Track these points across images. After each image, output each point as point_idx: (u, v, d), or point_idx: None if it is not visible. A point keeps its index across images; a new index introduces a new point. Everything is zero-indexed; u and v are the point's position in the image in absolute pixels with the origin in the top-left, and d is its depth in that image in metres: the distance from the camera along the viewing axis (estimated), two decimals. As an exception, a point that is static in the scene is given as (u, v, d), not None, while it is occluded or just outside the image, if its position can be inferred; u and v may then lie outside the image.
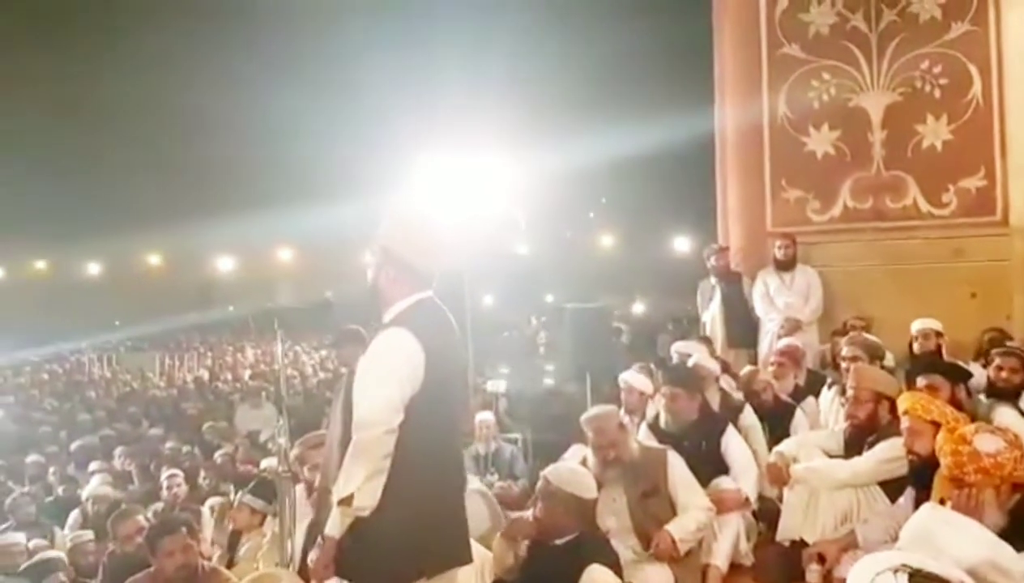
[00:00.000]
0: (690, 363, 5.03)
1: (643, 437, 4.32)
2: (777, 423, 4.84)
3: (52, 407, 12.83)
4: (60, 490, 7.18)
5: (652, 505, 3.78)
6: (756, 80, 7.35)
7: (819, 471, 3.92)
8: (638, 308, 19.22)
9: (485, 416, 6.80)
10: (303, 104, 20.85)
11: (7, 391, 15.47)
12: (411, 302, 2.86)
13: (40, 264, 32.45)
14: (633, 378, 5.16)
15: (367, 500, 2.62)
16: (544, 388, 10.80)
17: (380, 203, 3.05)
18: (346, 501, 2.61)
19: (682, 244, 20.26)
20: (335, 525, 2.65)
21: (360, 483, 2.61)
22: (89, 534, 5.43)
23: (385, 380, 2.69)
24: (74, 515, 6.25)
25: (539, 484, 3.48)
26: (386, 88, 18.86)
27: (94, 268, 32.23)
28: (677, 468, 3.86)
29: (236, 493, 4.87)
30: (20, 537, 5.58)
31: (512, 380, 10.81)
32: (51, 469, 7.92)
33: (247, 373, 16.38)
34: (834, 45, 7.23)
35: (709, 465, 4.15)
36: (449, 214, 8.29)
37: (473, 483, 4.45)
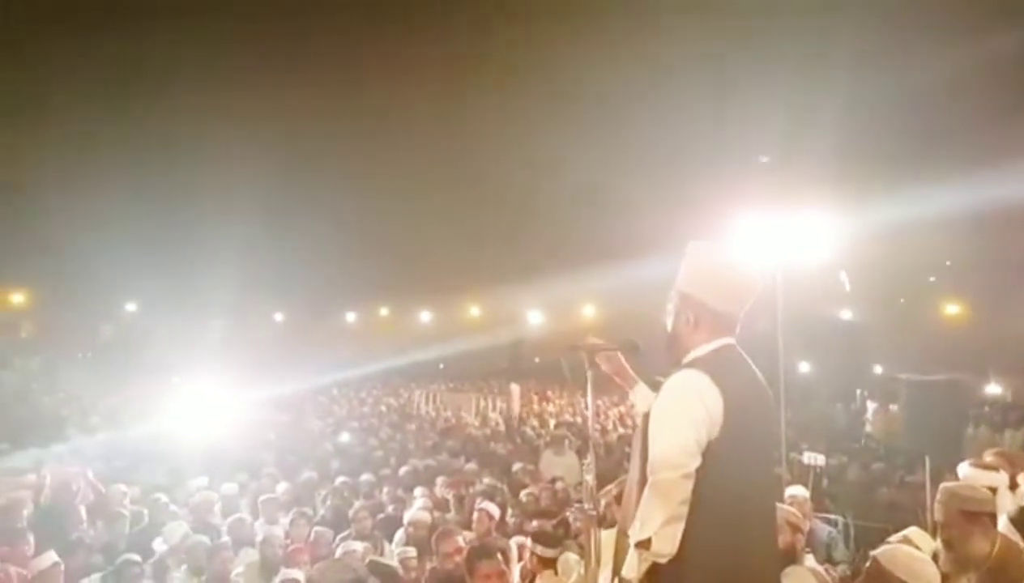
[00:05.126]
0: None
1: (1003, 529, 3.60)
2: None
3: (387, 435, 14.34)
4: (390, 509, 7.79)
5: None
6: None
7: None
8: (992, 388, 16.54)
9: (797, 490, 6.20)
10: (611, 178, 21.69)
11: (354, 417, 17.74)
12: (711, 348, 2.75)
13: (384, 311, 37.39)
14: (972, 473, 4.22)
15: (665, 546, 2.50)
16: (873, 469, 9.69)
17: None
18: (643, 544, 2.52)
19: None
20: (632, 567, 2.56)
21: (657, 527, 2.49)
22: (413, 551, 5.89)
23: (679, 421, 2.57)
24: (400, 533, 6.74)
25: (867, 564, 3.10)
26: (698, 145, 18.74)
27: (425, 316, 36.36)
28: None
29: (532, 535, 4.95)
30: (358, 545, 6.16)
31: (833, 456, 9.83)
32: (384, 489, 8.76)
33: (552, 421, 16.97)
34: None
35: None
36: (764, 273, 7.86)
37: (808, 561, 4.12)
